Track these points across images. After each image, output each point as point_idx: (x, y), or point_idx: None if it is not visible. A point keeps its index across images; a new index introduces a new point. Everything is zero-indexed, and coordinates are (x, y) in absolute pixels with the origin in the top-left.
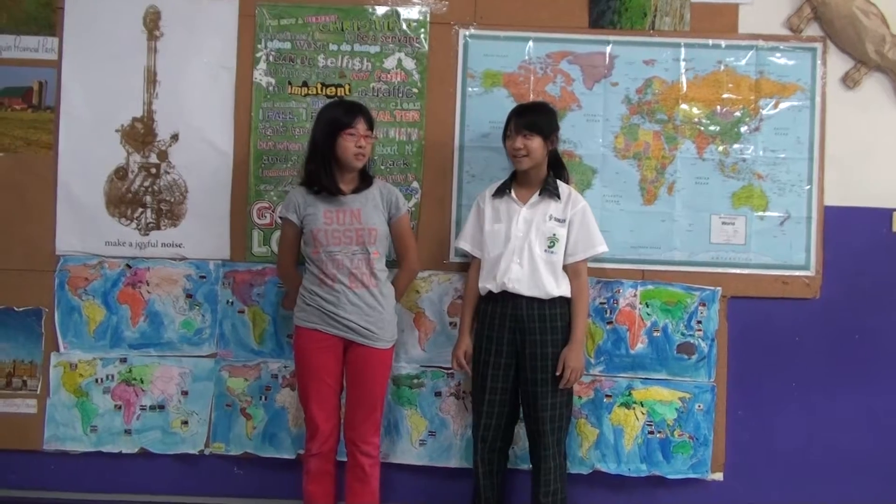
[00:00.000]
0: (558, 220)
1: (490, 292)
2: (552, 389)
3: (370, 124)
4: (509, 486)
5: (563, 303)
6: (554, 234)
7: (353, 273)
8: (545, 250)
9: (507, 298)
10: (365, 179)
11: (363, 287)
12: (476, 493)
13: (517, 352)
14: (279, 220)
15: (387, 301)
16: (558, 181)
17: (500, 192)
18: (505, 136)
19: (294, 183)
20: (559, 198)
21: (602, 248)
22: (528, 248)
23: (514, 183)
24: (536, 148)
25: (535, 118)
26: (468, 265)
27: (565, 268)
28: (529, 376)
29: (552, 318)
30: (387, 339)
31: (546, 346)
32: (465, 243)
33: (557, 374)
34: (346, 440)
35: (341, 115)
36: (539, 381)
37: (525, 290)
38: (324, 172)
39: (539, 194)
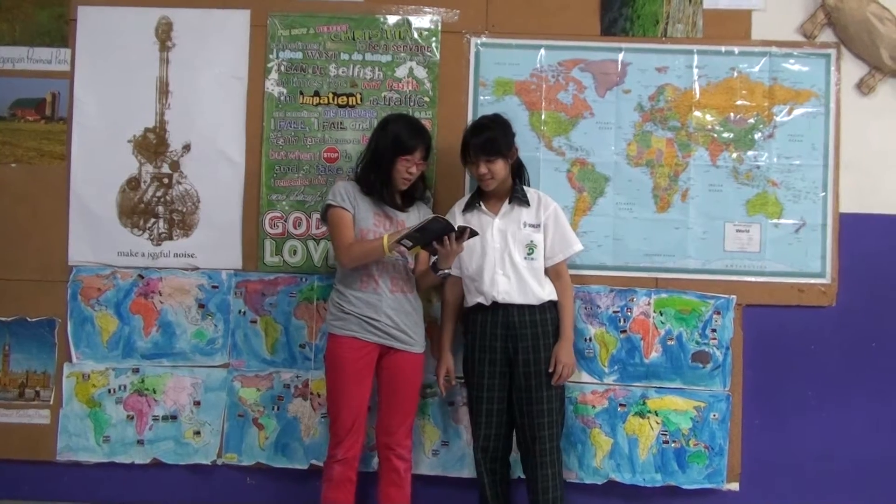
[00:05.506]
0: (533, 226)
1: (479, 304)
2: (547, 394)
3: (428, 151)
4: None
5: (552, 307)
6: (531, 241)
7: (395, 277)
8: (525, 258)
9: (497, 308)
10: (408, 196)
11: (401, 292)
12: None
13: (510, 360)
14: (320, 213)
15: (419, 306)
16: (524, 187)
17: (470, 206)
18: (464, 158)
19: (306, 192)
20: (529, 203)
21: (578, 246)
22: (510, 258)
23: (482, 196)
24: (500, 170)
25: (491, 141)
26: None
27: (547, 271)
28: (524, 382)
29: (543, 322)
30: (421, 344)
31: (539, 350)
32: None
33: (550, 370)
34: (379, 446)
35: (405, 139)
36: (534, 386)
37: (516, 299)
38: (382, 185)
39: (509, 203)
